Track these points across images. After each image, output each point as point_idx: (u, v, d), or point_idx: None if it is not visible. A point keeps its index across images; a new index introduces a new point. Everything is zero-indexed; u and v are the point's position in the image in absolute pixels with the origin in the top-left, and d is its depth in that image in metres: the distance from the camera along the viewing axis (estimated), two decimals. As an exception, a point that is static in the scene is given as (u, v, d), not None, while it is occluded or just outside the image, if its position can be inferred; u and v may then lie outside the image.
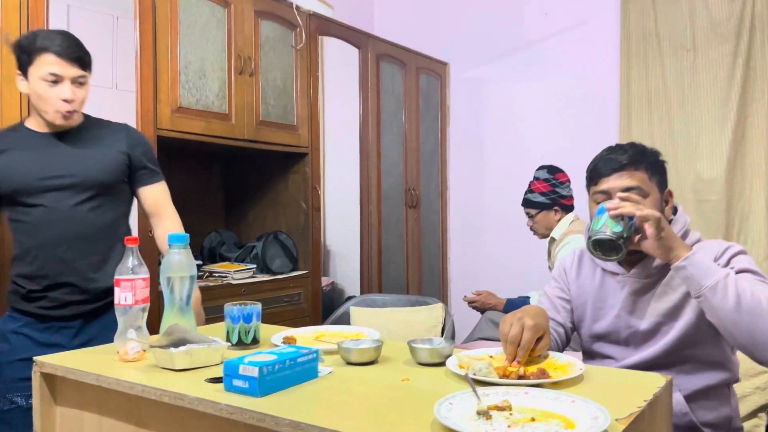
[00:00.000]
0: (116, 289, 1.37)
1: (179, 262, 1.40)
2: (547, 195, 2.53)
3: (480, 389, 1.03)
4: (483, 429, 0.88)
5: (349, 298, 3.01)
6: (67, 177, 1.69)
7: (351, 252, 3.60)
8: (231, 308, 1.44)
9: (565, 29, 3.80)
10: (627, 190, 1.35)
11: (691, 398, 1.35)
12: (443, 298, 4.18)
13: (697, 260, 1.19)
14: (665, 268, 1.36)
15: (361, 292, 3.45)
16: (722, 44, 3.33)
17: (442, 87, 4.20)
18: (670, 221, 1.42)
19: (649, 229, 1.24)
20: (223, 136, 2.68)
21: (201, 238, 3.17)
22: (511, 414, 0.95)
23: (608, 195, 1.38)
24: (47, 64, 1.62)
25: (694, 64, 3.42)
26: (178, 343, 1.25)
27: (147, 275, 1.40)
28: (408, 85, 3.86)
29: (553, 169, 2.59)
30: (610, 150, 1.42)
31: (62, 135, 1.73)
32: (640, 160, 1.37)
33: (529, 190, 2.60)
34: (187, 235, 1.43)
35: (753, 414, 1.65)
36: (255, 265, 2.96)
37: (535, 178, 2.60)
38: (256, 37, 2.85)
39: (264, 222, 3.28)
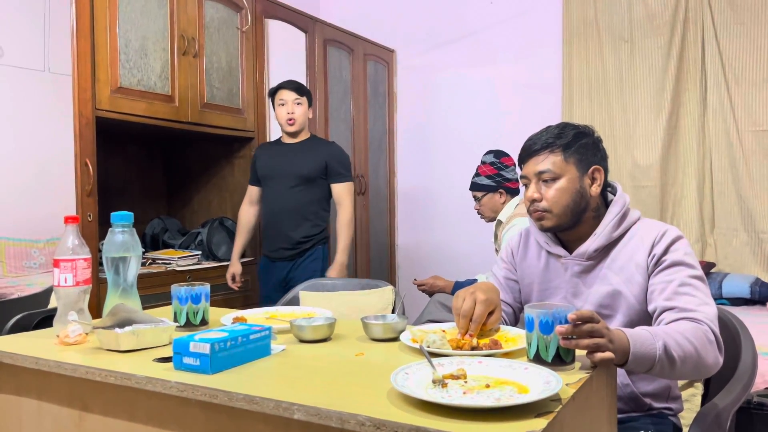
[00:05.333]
0: (55, 270, 1.31)
1: (123, 242, 1.35)
2: (493, 178, 2.58)
3: (434, 360, 1.03)
4: (439, 396, 0.89)
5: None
6: (287, 170, 2.65)
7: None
8: (178, 289, 1.40)
9: (510, 18, 3.86)
10: (539, 173, 1.39)
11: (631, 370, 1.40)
12: (391, 283, 4.19)
13: (635, 357, 1.11)
14: (605, 251, 1.40)
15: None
16: (657, 36, 3.46)
17: (389, 74, 4.20)
18: (610, 201, 1.45)
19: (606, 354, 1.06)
20: (166, 118, 2.60)
21: (143, 224, 3.07)
22: (465, 382, 0.96)
23: (528, 179, 1.42)
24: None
25: (631, 55, 3.54)
26: (123, 324, 1.20)
27: (88, 256, 1.34)
28: (355, 71, 3.84)
29: (499, 153, 2.63)
30: (534, 134, 1.45)
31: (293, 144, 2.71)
32: (552, 143, 1.39)
33: (476, 174, 2.64)
34: (131, 214, 1.38)
35: (690, 383, 1.73)
36: (200, 252, 2.89)
37: (482, 162, 2.64)
38: (200, 18, 2.77)
39: (209, 208, 3.20)
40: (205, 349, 1.03)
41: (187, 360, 1.05)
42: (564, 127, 1.43)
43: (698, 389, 1.66)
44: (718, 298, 3.09)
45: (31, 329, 2.04)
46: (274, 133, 3.46)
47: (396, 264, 4.28)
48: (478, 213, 2.68)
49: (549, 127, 1.45)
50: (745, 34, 3.27)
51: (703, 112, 3.40)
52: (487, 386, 0.94)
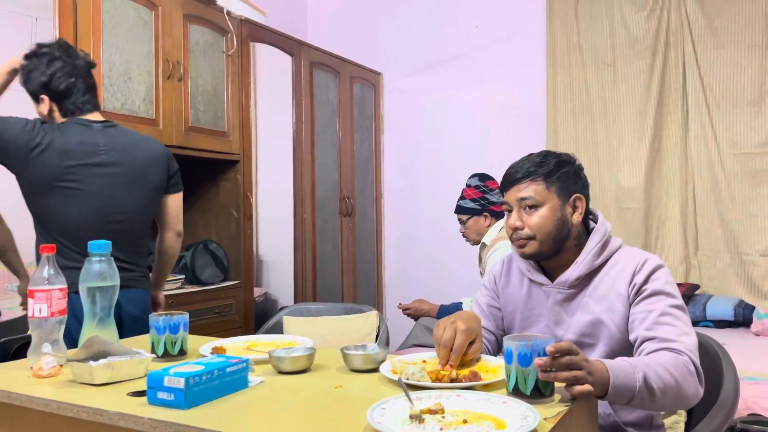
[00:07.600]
0: (30, 301, 1.29)
1: (100, 271, 1.33)
2: (477, 201, 2.58)
3: (413, 393, 1.02)
4: (416, 433, 0.88)
5: (283, 308, 2.96)
6: None
7: (285, 261, 3.54)
8: (156, 318, 1.38)
9: (495, 41, 3.90)
10: (521, 200, 1.39)
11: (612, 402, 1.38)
12: (378, 306, 4.18)
13: (615, 389, 1.10)
14: (587, 279, 1.40)
15: (295, 302, 3.40)
16: (639, 60, 3.51)
17: (375, 96, 4.23)
18: (591, 229, 1.45)
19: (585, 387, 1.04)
20: (150, 141, 2.58)
21: (126, 248, 3.04)
22: (443, 417, 0.95)
23: (510, 206, 1.42)
24: None
25: (614, 78, 3.58)
26: (98, 356, 1.18)
27: (64, 285, 1.32)
28: (342, 94, 3.86)
29: (483, 177, 2.65)
30: (516, 162, 1.45)
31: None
32: (534, 171, 1.40)
33: (461, 197, 2.65)
34: (109, 242, 1.36)
35: (673, 411, 1.72)
36: (183, 276, 2.86)
37: (467, 185, 2.66)
38: (185, 42, 2.77)
39: (193, 231, 3.18)
40: (180, 383, 1.02)
41: (161, 395, 1.03)
42: (546, 155, 1.44)
43: (681, 416, 1.66)
44: (702, 321, 3.10)
45: (11, 355, 2.00)
46: (261, 155, 3.46)
47: (383, 285, 4.27)
48: (464, 236, 2.69)
49: (530, 155, 1.46)
50: (725, 58, 3.32)
51: (685, 135, 3.45)
52: (465, 421, 0.93)
